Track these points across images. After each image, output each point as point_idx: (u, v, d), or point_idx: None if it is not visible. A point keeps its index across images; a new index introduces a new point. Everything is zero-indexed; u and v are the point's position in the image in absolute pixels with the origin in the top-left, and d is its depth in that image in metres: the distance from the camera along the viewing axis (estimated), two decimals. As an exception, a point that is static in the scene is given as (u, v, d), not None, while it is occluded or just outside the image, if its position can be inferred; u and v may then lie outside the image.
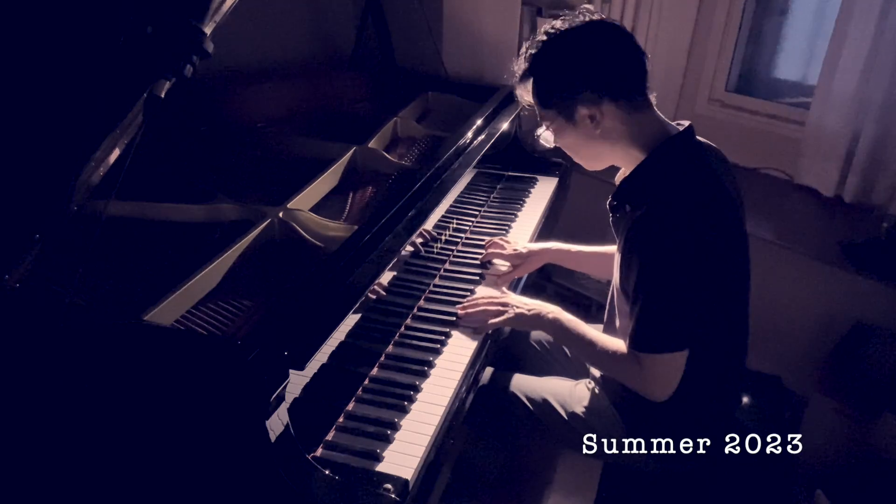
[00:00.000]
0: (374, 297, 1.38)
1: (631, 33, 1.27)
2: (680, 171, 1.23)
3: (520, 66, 1.31)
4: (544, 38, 1.27)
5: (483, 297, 1.50)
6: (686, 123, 1.28)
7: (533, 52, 1.28)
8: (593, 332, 1.37)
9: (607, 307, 1.46)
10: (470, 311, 1.46)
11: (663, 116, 1.29)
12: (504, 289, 1.59)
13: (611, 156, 1.32)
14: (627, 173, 1.32)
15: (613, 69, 1.23)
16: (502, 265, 1.71)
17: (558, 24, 1.27)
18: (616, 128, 1.26)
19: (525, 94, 1.33)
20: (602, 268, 1.60)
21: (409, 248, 1.61)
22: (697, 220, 1.17)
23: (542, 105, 1.30)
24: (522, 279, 1.72)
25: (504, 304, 1.45)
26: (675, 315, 1.20)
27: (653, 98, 1.28)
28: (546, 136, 1.35)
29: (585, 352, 1.39)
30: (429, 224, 1.61)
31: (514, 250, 1.69)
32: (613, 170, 1.40)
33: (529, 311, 1.43)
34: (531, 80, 1.29)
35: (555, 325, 1.41)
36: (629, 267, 1.23)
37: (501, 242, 1.72)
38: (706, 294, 1.19)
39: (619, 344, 1.31)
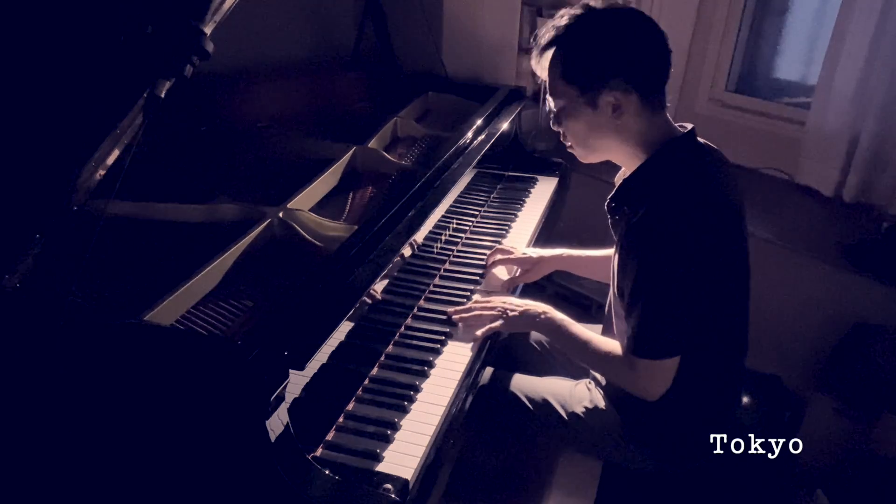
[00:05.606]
0: (373, 298, 1.38)
1: (663, 31, 1.19)
2: (680, 175, 1.21)
3: (545, 33, 1.22)
4: (580, 11, 1.18)
5: (477, 303, 1.47)
6: (689, 126, 1.27)
7: (566, 22, 1.19)
8: (586, 331, 1.36)
9: (606, 310, 1.46)
10: (465, 316, 1.44)
11: (671, 119, 1.27)
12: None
13: (615, 151, 1.28)
14: (628, 174, 1.30)
15: (648, 62, 1.18)
16: (502, 275, 1.66)
17: (593, 1, 1.19)
18: (633, 124, 1.22)
19: (542, 64, 1.24)
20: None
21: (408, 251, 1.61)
22: (696, 224, 1.16)
23: (564, 79, 1.20)
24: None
25: (496, 309, 1.43)
26: (673, 321, 1.19)
27: (668, 102, 1.25)
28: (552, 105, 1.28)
29: (578, 351, 1.38)
30: (429, 224, 1.61)
31: (524, 254, 1.65)
32: (613, 170, 1.40)
33: (520, 312, 1.41)
34: (557, 50, 1.20)
35: (547, 325, 1.40)
36: (626, 270, 1.22)
37: (506, 249, 1.68)
38: (705, 298, 1.19)
39: (612, 345, 1.30)
